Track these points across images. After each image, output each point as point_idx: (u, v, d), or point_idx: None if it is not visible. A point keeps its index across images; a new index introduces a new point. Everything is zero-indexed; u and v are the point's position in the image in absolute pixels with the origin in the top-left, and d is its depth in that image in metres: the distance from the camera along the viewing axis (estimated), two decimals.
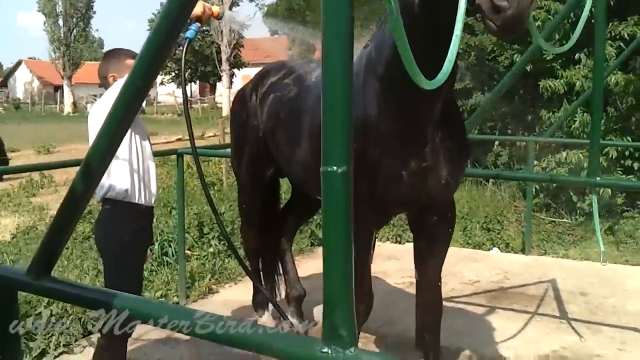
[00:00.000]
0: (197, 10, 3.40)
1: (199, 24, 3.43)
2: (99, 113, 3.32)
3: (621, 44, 8.79)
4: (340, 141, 1.25)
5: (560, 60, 9.42)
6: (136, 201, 3.43)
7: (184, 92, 3.45)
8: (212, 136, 24.24)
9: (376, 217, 3.28)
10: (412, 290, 3.76)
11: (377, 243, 6.43)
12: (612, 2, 8.61)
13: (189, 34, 3.33)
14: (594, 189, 4.59)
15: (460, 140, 3.20)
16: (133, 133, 3.37)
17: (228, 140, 13.16)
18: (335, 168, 1.23)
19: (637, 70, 8.57)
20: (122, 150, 3.28)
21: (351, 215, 1.26)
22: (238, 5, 49.67)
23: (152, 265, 6.24)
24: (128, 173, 3.37)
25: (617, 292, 6.03)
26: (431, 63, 2.13)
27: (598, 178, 4.07)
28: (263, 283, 4.73)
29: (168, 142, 23.09)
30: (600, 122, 4.28)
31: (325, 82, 1.25)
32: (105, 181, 3.33)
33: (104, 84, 3.59)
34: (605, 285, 6.19)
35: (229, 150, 5.02)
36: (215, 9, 3.57)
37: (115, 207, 3.40)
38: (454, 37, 1.90)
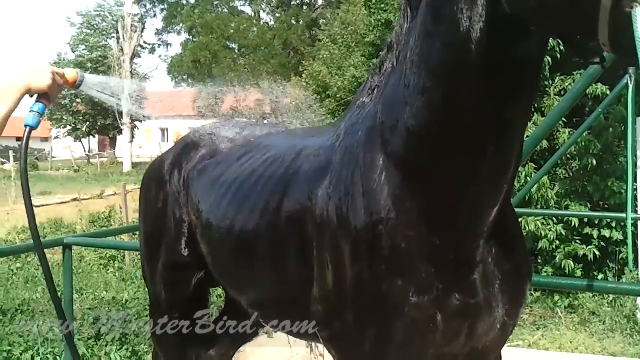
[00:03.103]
0: (44, 83, 2.24)
1: (46, 102, 2.30)
2: None
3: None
4: None
5: None
6: None
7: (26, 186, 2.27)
8: (112, 195, 22.39)
9: None
10: None
11: None
12: (558, 56, 8.04)
13: (32, 120, 2.27)
14: None
15: (522, 257, 2.03)
16: None
17: (131, 216, 11.70)
18: None
19: (596, 129, 7.89)
20: None
21: None
22: (139, 57, 48.11)
23: None
24: None
25: None
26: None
27: None
28: None
29: (63, 203, 21.01)
30: None
31: None
32: None
33: None
34: None
35: (135, 242, 3.70)
36: (71, 74, 2.42)
37: None
38: None
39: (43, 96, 2.28)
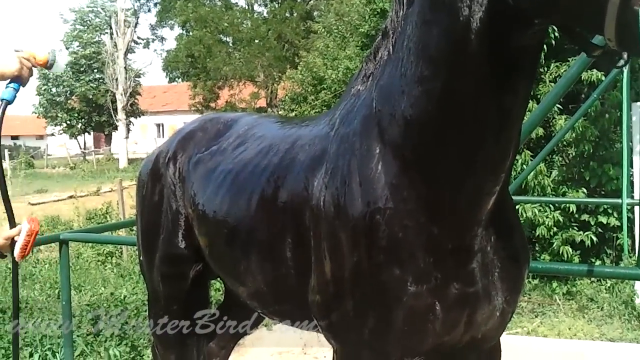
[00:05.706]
0: (13, 67, 2.53)
1: (20, 81, 2.61)
2: None
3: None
4: None
5: None
6: None
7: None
8: (109, 191, 22.31)
9: None
10: None
11: None
12: (553, 42, 8.00)
13: (8, 94, 2.58)
14: None
15: (520, 244, 2.03)
16: None
17: (128, 212, 11.66)
18: None
19: (592, 115, 7.86)
20: None
21: None
22: (133, 52, 47.93)
23: None
24: None
25: None
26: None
27: None
28: None
29: (59, 200, 20.94)
30: None
31: None
32: None
33: None
34: None
35: (132, 236, 3.68)
36: (42, 55, 2.65)
37: None
38: None
39: (16, 78, 2.56)
